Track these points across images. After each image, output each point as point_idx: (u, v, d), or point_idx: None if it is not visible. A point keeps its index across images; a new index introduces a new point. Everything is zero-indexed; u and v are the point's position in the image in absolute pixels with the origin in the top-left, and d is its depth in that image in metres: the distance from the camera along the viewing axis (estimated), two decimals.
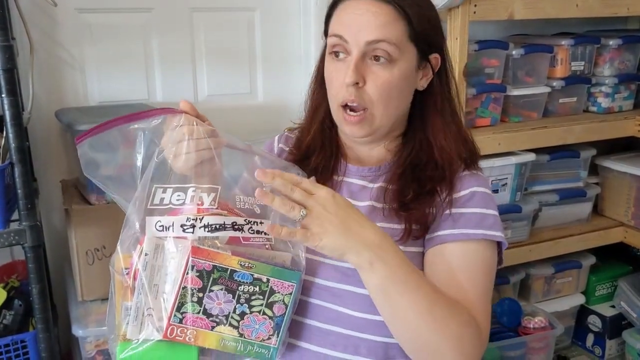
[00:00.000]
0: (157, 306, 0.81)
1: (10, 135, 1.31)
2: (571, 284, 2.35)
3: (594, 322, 2.40)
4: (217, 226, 0.82)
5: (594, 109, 2.18)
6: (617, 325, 2.36)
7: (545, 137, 1.98)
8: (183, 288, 0.81)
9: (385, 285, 0.83)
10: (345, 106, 0.96)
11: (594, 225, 2.25)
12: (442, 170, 0.97)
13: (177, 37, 1.96)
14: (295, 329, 0.96)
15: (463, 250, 0.93)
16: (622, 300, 2.35)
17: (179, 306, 0.81)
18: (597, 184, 2.29)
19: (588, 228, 2.22)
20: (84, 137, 0.84)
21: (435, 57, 0.99)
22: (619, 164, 2.22)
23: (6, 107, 1.29)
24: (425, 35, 0.96)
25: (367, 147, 1.04)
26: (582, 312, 2.42)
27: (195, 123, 0.84)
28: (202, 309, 0.82)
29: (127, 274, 0.83)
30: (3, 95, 1.28)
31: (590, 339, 2.42)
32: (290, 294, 0.85)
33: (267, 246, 0.86)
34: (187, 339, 0.82)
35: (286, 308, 0.86)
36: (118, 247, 0.84)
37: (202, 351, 0.85)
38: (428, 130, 1.00)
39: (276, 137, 1.17)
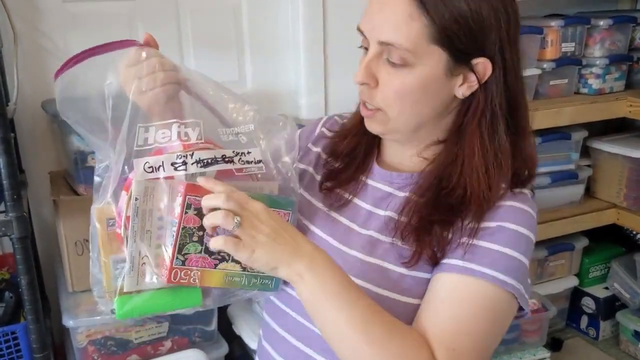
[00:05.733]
0: (152, 253, 0.78)
1: None
2: (564, 266, 2.36)
3: (587, 303, 2.41)
4: (209, 160, 0.78)
5: (585, 90, 2.18)
6: (610, 306, 2.37)
7: (537, 120, 1.98)
8: (182, 228, 0.77)
9: (315, 297, 0.77)
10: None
11: (587, 207, 2.26)
12: (467, 203, 0.84)
13: (163, 24, 1.94)
14: (279, 315, 0.95)
15: (462, 282, 0.80)
16: (615, 282, 2.36)
17: (180, 248, 0.78)
18: (589, 166, 2.30)
19: (580, 210, 2.23)
20: (60, 71, 0.81)
21: (481, 63, 0.82)
22: (610, 145, 2.23)
23: None
24: (458, 36, 0.79)
25: (400, 150, 0.94)
26: (576, 294, 2.43)
27: (162, 56, 0.82)
28: (203, 247, 0.79)
29: (113, 224, 0.79)
30: None
31: (584, 320, 2.43)
32: (287, 222, 0.83)
33: (259, 175, 0.83)
34: (192, 280, 0.79)
35: None
36: (108, 198, 0.79)
37: (203, 292, 0.83)
38: (464, 146, 0.86)
39: (323, 119, 1.07)
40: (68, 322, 1.53)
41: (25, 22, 1.73)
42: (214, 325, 1.77)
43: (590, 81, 2.16)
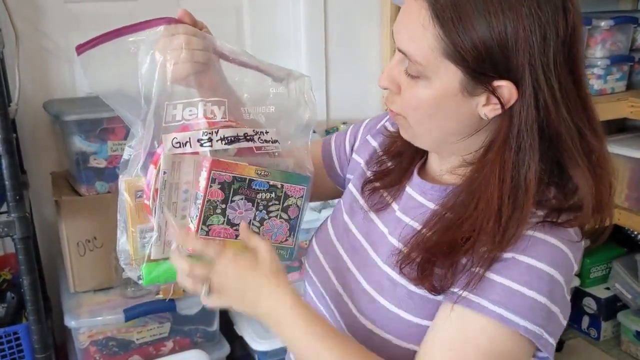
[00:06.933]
0: (177, 223, 0.83)
1: None
2: None
3: (589, 304, 2.41)
4: (232, 138, 0.82)
5: None
6: (612, 307, 2.37)
7: None
8: (207, 201, 0.82)
9: (289, 344, 0.83)
10: None
11: None
12: (472, 243, 0.74)
13: None
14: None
15: (466, 317, 0.73)
16: (616, 282, 2.36)
17: (205, 219, 0.83)
18: None
19: None
20: (84, 47, 0.82)
21: (506, 87, 0.72)
22: (612, 146, 2.22)
23: None
24: (473, 56, 0.71)
25: (438, 162, 0.88)
26: (577, 295, 2.43)
27: (193, 33, 0.82)
28: (225, 219, 0.84)
29: (140, 196, 0.83)
30: None
31: (585, 321, 2.43)
32: (302, 197, 0.89)
33: (276, 153, 0.88)
34: None
35: (299, 210, 0.90)
36: (139, 171, 0.83)
37: None
38: (485, 174, 0.76)
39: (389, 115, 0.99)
40: (70, 322, 1.53)
41: (27, 23, 1.73)
42: (215, 326, 1.77)
43: (592, 82, 2.16)
